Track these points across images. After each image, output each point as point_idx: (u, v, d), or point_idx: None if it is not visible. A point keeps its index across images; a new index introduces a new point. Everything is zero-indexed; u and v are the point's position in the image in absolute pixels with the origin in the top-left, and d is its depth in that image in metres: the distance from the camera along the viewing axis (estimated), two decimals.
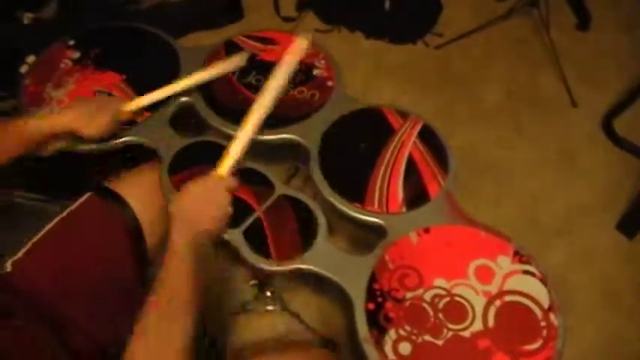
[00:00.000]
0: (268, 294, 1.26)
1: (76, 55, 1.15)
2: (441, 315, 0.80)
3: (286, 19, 1.93)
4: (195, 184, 0.83)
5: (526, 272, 0.84)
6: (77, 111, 0.92)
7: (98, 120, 0.93)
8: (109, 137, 0.99)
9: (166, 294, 0.68)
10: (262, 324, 1.26)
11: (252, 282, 1.28)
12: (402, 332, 0.79)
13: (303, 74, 1.12)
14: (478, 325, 0.79)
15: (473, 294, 0.82)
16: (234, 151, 0.91)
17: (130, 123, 1.03)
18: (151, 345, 0.64)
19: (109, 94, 1.08)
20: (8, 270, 0.79)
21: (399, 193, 0.95)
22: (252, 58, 1.14)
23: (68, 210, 0.90)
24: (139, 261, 0.93)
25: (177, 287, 0.69)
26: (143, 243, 0.96)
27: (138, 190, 0.97)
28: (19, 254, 0.82)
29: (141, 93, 1.08)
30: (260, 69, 1.13)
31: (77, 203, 0.92)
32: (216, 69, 1.08)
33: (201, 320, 0.69)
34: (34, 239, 0.84)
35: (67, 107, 0.97)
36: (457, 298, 0.82)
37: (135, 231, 0.94)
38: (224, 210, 0.84)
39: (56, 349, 0.73)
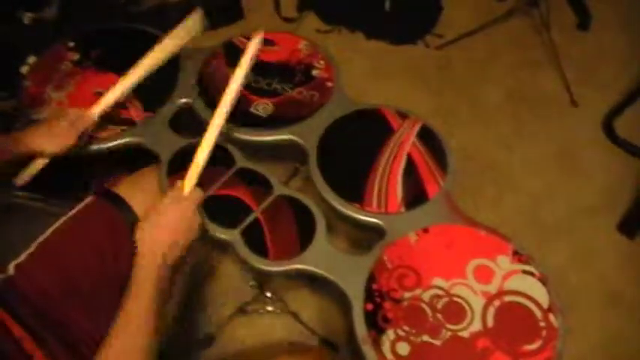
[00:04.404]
0: (268, 295, 1.26)
1: (76, 56, 1.15)
2: (439, 315, 0.80)
3: (287, 20, 1.93)
4: (163, 209, 0.82)
5: (525, 272, 0.84)
6: (39, 130, 0.94)
7: (59, 137, 0.94)
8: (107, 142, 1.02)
9: (128, 315, 0.72)
10: (262, 325, 1.26)
11: (252, 283, 1.28)
12: (400, 332, 0.79)
13: (302, 75, 1.12)
14: (477, 326, 0.79)
15: (472, 294, 0.82)
16: (201, 159, 0.90)
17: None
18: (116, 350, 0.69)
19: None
20: (11, 273, 0.79)
21: (398, 193, 0.95)
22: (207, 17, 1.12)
23: (71, 213, 0.90)
24: None
25: (137, 311, 0.73)
26: None
27: (140, 194, 0.97)
28: (22, 257, 0.82)
29: (141, 93, 1.08)
30: (259, 70, 1.13)
31: (80, 206, 0.92)
32: (170, 42, 1.07)
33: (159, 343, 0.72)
34: (37, 242, 0.84)
35: (31, 128, 0.96)
36: (456, 299, 0.81)
37: None
38: (194, 230, 0.84)
39: (55, 350, 0.73)
